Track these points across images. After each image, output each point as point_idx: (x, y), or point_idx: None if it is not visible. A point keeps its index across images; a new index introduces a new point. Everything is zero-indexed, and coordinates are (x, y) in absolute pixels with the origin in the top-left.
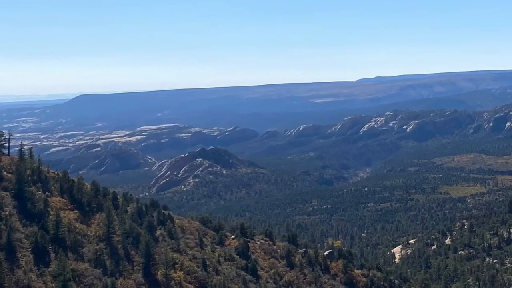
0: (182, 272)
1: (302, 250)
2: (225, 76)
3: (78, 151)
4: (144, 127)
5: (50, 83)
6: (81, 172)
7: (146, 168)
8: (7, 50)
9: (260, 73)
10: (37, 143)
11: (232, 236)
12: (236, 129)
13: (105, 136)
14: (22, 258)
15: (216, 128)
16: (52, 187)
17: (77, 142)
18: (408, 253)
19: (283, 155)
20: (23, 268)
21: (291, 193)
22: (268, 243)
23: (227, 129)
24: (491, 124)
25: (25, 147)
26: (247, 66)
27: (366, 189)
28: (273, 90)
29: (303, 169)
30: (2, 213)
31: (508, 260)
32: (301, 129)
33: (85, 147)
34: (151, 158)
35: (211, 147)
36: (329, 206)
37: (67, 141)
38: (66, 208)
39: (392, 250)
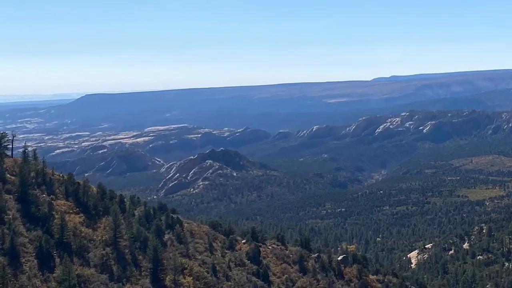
0: (191, 277)
1: (315, 255)
2: (236, 75)
3: (83, 152)
4: (152, 128)
5: (54, 82)
6: (87, 174)
7: (154, 170)
8: (10, 48)
9: (272, 72)
10: (41, 144)
11: (243, 241)
12: (247, 130)
13: (112, 137)
14: (26, 263)
15: (226, 129)
16: (57, 190)
17: (82, 144)
18: (425, 258)
19: (296, 156)
20: (27, 274)
21: (304, 196)
22: (280, 248)
23: (238, 130)
24: (510, 125)
25: (29, 148)
26: (259, 64)
27: (381, 192)
28: (285, 89)
29: (316, 171)
30: (5, 216)
31: None
32: (314, 130)
33: (91, 148)
34: (159, 160)
35: (221, 148)
36: (343, 209)
37: (72, 142)
38: (71, 211)
39: (408, 255)
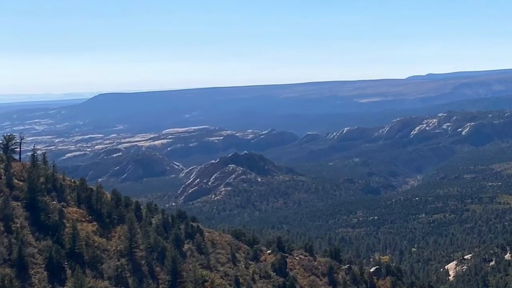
0: None
1: (346, 266)
2: (261, 73)
3: (97, 156)
4: (171, 129)
5: (66, 80)
6: (100, 179)
7: (173, 176)
8: (18, 44)
9: (299, 69)
10: (51, 147)
11: (268, 251)
12: (273, 132)
13: (127, 139)
14: (35, 275)
15: (250, 131)
16: (68, 197)
17: (96, 147)
18: (464, 269)
19: (325, 160)
20: (36, 287)
21: (334, 203)
22: (308, 259)
23: (263, 132)
24: None
25: (38, 152)
26: (285, 61)
27: (416, 198)
28: (313, 88)
29: (346, 176)
30: (13, 225)
31: None
32: (344, 132)
33: (105, 152)
34: (178, 164)
35: (245, 152)
36: (375, 217)
37: (84, 145)
38: (83, 219)
39: (445, 267)
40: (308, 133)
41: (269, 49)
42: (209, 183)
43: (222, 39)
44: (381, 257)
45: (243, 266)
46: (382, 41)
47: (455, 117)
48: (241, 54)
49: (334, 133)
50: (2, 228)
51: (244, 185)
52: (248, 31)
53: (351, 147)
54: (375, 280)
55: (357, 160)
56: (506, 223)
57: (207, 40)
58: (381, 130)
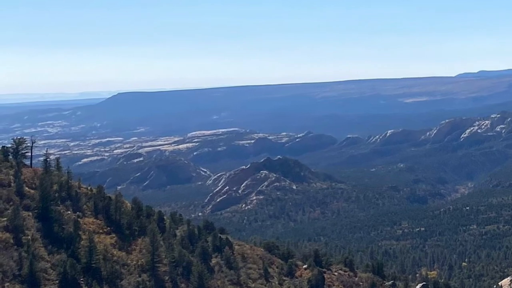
0: None
1: (390, 282)
2: (296, 70)
3: (115, 161)
4: (197, 132)
5: (81, 78)
6: (119, 187)
7: (199, 183)
8: (29, 38)
9: (338, 66)
10: (65, 152)
11: (304, 266)
12: (309, 135)
13: (149, 143)
14: None
15: (284, 133)
16: (84, 206)
17: (114, 151)
18: None
19: (366, 166)
20: None
21: (376, 213)
22: (348, 274)
23: (298, 135)
24: None
25: (51, 156)
26: (323, 57)
27: (467, 208)
28: (354, 87)
29: (390, 183)
30: (24, 237)
31: None
32: (388, 135)
33: (125, 157)
34: (205, 170)
35: (279, 156)
36: (422, 229)
37: (102, 149)
38: (101, 231)
39: (499, 283)
40: (348, 136)
41: (304, 44)
42: (239, 191)
43: (252, 33)
44: (428, 272)
45: (277, 283)
46: (430, 35)
47: (510, 119)
48: (274, 49)
49: (377, 136)
50: (12, 241)
51: (278, 193)
52: (281, 23)
53: (395, 151)
54: None
55: (402, 165)
56: None
57: (236, 34)
58: (428, 133)
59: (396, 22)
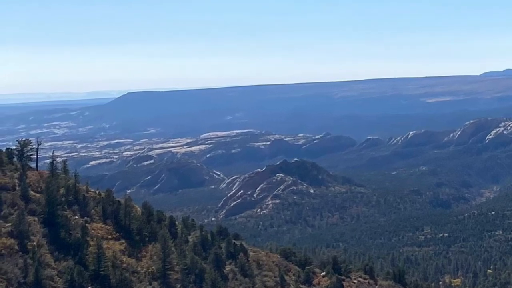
0: None
1: None
2: (313, 69)
3: (125, 164)
4: (210, 134)
5: (89, 77)
6: (129, 191)
7: (212, 186)
8: (34, 35)
9: (357, 65)
10: (73, 154)
11: (322, 273)
12: (327, 137)
13: (160, 145)
14: None
15: (301, 135)
16: (93, 211)
17: (124, 153)
18: None
19: (387, 169)
20: None
21: (397, 218)
22: (368, 282)
23: (316, 137)
24: None
25: (58, 159)
26: (341, 55)
27: (493, 213)
28: (374, 86)
29: (412, 187)
30: (29, 243)
31: None
32: (410, 136)
33: (134, 159)
34: (218, 173)
35: (295, 159)
36: (445, 234)
37: (111, 151)
38: (110, 237)
39: None
40: (368, 137)
41: (323, 42)
42: (254, 195)
43: (269, 30)
44: (452, 280)
45: None
46: (452, 31)
47: None
48: (291, 47)
49: (398, 138)
50: (17, 247)
51: (295, 197)
52: (298, 20)
53: (418, 153)
54: None
55: (424, 168)
56: None
57: (251, 31)
58: (451, 134)
59: (418, 19)
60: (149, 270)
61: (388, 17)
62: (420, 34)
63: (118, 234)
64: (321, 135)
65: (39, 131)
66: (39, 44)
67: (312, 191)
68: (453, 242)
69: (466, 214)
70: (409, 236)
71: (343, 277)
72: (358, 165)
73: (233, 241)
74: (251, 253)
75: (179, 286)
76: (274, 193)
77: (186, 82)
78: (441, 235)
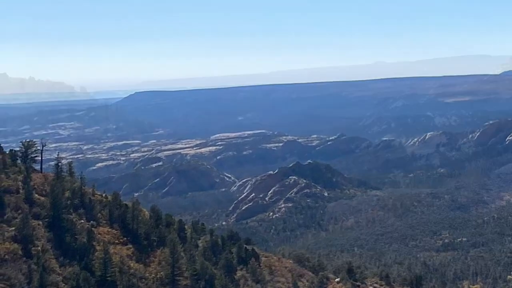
0: None
1: None
2: (328, 68)
3: (132, 166)
4: (221, 135)
5: (95, 76)
6: (136, 194)
7: (223, 189)
8: (37, 31)
9: (374, 63)
10: (78, 155)
11: (337, 279)
12: (342, 138)
13: (169, 146)
14: None
15: (315, 136)
16: (99, 214)
17: (131, 155)
18: None
19: (404, 171)
20: None
21: (415, 222)
22: None
23: (330, 138)
24: None
25: (63, 161)
26: (357, 53)
27: None
28: (390, 85)
29: (430, 190)
30: (33, 248)
31: None
32: (427, 137)
33: (142, 161)
34: (229, 175)
35: (309, 161)
36: (464, 239)
37: (118, 153)
38: (117, 241)
39: None
40: (384, 138)
41: (337, 40)
42: (266, 198)
43: (281, 28)
44: (470, 286)
45: None
46: (471, 28)
47: None
48: (304, 46)
49: (415, 139)
50: (21, 252)
51: (308, 200)
52: (311, 18)
53: (435, 155)
54: None
55: (442, 171)
56: None
57: (261, 29)
58: (470, 136)
59: (434, 15)
60: (158, 276)
61: (406, 14)
62: (435, 31)
63: (125, 238)
64: (335, 136)
65: (44, 132)
66: (43, 43)
67: (326, 194)
68: (472, 247)
69: (486, 218)
70: (426, 241)
71: (358, 283)
72: (374, 167)
73: (245, 245)
74: (263, 258)
75: None
76: (286, 196)
77: (195, 81)
78: (460, 239)
